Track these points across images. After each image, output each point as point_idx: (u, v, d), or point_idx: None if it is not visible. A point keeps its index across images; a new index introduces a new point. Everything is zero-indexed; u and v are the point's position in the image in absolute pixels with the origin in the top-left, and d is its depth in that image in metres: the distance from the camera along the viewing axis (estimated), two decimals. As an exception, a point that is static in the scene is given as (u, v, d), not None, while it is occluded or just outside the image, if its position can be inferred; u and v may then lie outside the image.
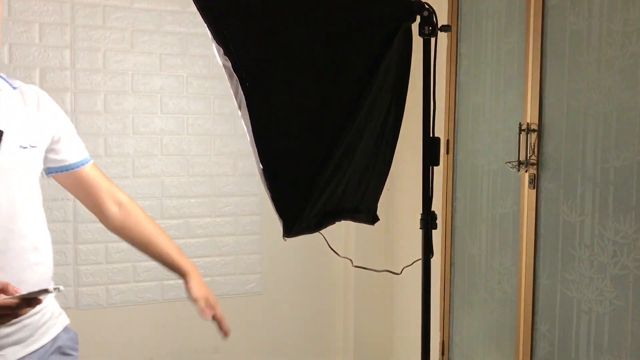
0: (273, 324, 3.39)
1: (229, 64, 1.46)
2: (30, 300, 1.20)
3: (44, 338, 1.50)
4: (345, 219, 1.78)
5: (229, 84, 1.52)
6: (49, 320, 1.51)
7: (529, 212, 2.20)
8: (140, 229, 1.72)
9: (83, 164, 1.61)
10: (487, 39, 2.49)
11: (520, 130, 2.19)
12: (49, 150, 1.54)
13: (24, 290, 1.21)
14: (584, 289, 1.96)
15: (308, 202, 1.63)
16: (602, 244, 1.88)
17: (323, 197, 1.64)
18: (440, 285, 2.83)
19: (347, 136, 1.62)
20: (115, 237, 3.05)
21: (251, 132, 1.53)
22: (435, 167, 1.62)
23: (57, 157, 1.56)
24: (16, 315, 1.21)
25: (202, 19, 1.47)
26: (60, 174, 1.59)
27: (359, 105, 1.60)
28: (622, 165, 1.79)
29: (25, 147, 1.43)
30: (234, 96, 1.53)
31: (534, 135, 2.16)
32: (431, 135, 1.60)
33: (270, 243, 3.32)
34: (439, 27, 1.54)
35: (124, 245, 3.08)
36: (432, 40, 1.56)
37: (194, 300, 1.75)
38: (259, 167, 1.59)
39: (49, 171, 1.59)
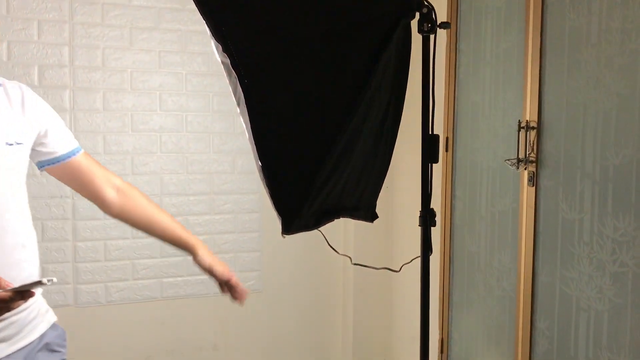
0: (272, 322, 3.40)
1: (228, 61, 1.46)
2: (24, 293, 1.19)
3: (32, 335, 1.50)
4: (344, 216, 1.78)
5: (228, 81, 1.52)
6: (36, 318, 1.51)
7: (528, 210, 2.20)
8: (141, 210, 1.72)
9: (74, 154, 1.61)
10: (487, 36, 2.48)
11: (520, 127, 2.19)
12: (38, 144, 1.54)
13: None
14: (583, 286, 1.96)
15: (307, 200, 1.62)
16: (601, 241, 1.88)
17: (322, 194, 1.64)
18: (440, 282, 2.83)
19: (345, 133, 1.61)
20: (114, 234, 3.07)
21: (250, 129, 1.53)
22: (434, 165, 1.62)
23: (46, 149, 1.56)
24: (9, 309, 1.21)
25: (201, 16, 1.46)
26: (53, 167, 1.59)
27: (357, 103, 1.60)
28: (621, 162, 1.79)
29: (11, 144, 1.43)
30: (232, 93, 1.53)
31: (533, 133, 2.16)
32: (430, 133, 1.60)
33: (269, 241, 3.32)
34: (438, 24, 1.54)
35: (123, 242, 3.09)
36: (431, 37, 1.56)
37: (207, 269, 1.74)
38: (257, 164, 1.59)
39: (40, 165, 1.59)
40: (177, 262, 3.18)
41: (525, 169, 2.19)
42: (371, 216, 1.79)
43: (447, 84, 2.73)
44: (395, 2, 1.56)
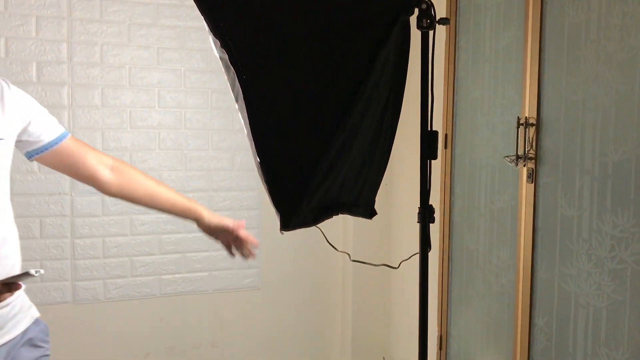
0: (271, 319, 3.40)
1: (226, 57, 1.46)
2: (11, 285, 1.19)
3: (14, 331, 1.50)
4: (343, 212, 1.77)
5: (226, 77, 1.52)
6: (18, 313, 1.51)
7: (527, 207, 2.20)
8: (139, 185, 1.72)
9: (61, 139, 1.60)
10: (486, 33, 2.48)
11: (519, 124, 2.19)
12: (22, 134, 1.53)
13: None
14: (582, 283, 1.96)
15: (305, 196, 1.62)
16: (600, 238, 1.88)
17: (320, 190, 1.64)
18: (438, 279, 2.83)
19: (344, 130, 1.61)
20: (112, 231, 3.07)
21: (248, 125, 1.52)
22: (433, 162, 1.61)
23: (32, 139, 1.55)
24: None
25: (199, 12, 1.46)
26: (42, 155, 1.58)
27: (356, 99, 1.60)
28: (620, 159, 1.79)
29: None
30: (230, 89, 1.53)
31: (532, 130, 2.15)
32: (429, 129, 1.59)
33: (268, 238, 3.32)
34: (437, 20, 1.54)
35: (122, 239, 3.09)
36: (430, 33, 1.56)
37: (219, 226, 1.77)
38: (256, 160, 1.59)
39: (29, 155, 1.58)
40: (176, 259, 3.18)
41: (524, 165, 2.19)
42: (370, 213, 1.79)
43: (446, 80, 2.73)
44: (394, -3, 1.56)
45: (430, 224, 1.62)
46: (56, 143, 1.58)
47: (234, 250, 1.84)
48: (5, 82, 1.52)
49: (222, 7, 1.48)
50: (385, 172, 1.78)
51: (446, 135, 2.74)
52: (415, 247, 1.62)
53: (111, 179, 1.67)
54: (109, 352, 3.09)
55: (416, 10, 1.55)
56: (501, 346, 2.42)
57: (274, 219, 1.68)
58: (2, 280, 1.18)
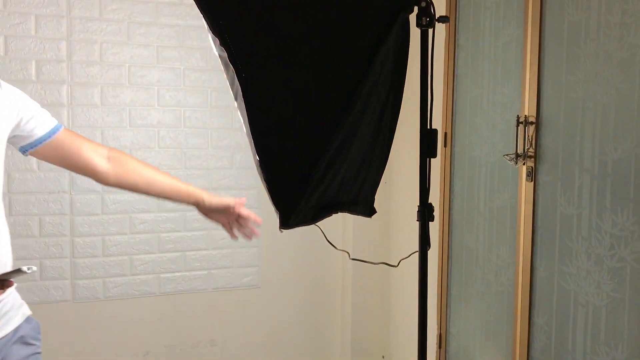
0: (270, 317, 3.40)
1: (225, 55, 1.46)
2: (3, 282, 1.18)
3: (6, 328, 1.50)
4: (342, 211, 1.77)
5: (225, 75, 1.52)
6: (10, 311, 1.51)
7: (526, 205, 2.20)
8: (137, 174, 1.71)
9: (54, 132, 1.59)
10: (485, 31, 2.48)
11: (518, 122, 2.18)
12: (15, 130, 1.52)
13: None
14: (581, 281, 1.96)
15: (304, 194, 1.62)
16: (599, 236, 1.88)
17: (320, 189, 1.64)
18: (438, 277, 2.83)
19: (343, 128, 1.61)
20: (112, 230, 3.06)
21: (247, 123, 1.52)
22: (433, 160, 1.61)
23: (25, 134, 1.55)
24: None
25: (199, 10, 1.46)
26: (36, 149, 1.58)
27: (355, 97, 1.60)
28: (620, 157, 1.79)
29: None
30: (230, 87, 1.52)
31: (531, 128, 2.15)
32: (428, 127, 1.59)
33: (267, 236, 3.31)
34: (436, 18, 1.54)
35: (121, 238, 3.08)
36: (430, 31, 1.56)
37: (221, 205, 1.77)
38: (255, 158, 1.59)
39: (23, 150, 1.58)
40: (175, 258, 3.18)
41: (523, 164, 2.19)
42: (369, 211, 1.79)
43: (446, 78, 2.73)
44: (394, -5, 1.56)
45: (430, 223, 1.62)
46: (49, 136, 1.58)
47: (235, 231, 1.83)
48: None
49: (221, 5, 1.48)
50: (385, 171, 1.78)
51: (446, 133, 2.74)
52: (415, 245, 1.62)
53: (108, 169, 1.67)
54: (108, 351, 3.09)
55: (415, 9, 1.55)
56: (501, 344, 2.42)
57: (274, 217, 1.68)
58: None
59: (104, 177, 1.67)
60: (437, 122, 2.75)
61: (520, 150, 2.18)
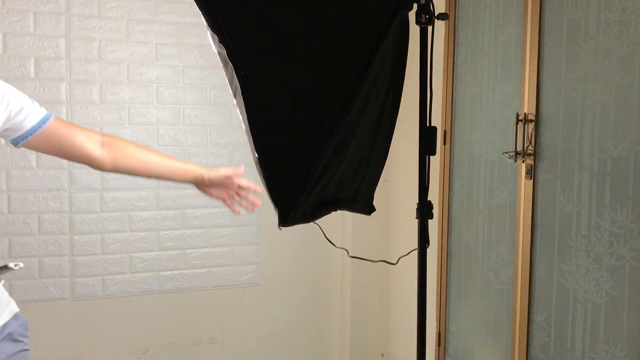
0: (270, 315, 3.40)
1: (224, 52, 1.45)
2: None
3: None
4: (341, 208, 1.77)
5: (224, 72, 1.51)
6: None
7: (525, 203, 2.20)
8: (132, 157, 1.70)
9: (44, 122, 1.56)
10: (485, 28, 2.47)
11: (518, 120, 2.18)
12: (5, 124, 1.50)
13: None
14: (580, 279, 1.96)
15: (303, 192, 1.62)
16: (598, 234, 1.88)
17: (318, 186, 1.63)
18: (437, 275, 2.83)
19: (342, 126, 1.61)
20: (111, 228, 3.06)
21: (246, 120, 1.52)
22: (432, 158, 1.61)
23: (15, 127, 1.53)
24: None
25: (197, 7, 1.46)
26: (27, 140, 1.56)
27: (355, 95, 1.59)
28: (619, 155, 1.79)
29: None
30: (229, 84, 1.52)
31: (531, 126, 2.15)
32: (428, 125, 1.59)
33: (267, 234, 3.32)
34: (436, 15, 1.53)
35: (120, 236, 3.08)
36: (429, 28, 1.55)
37: (221, 178, 1.75)
38: (254, 156, 1.59)
39: (15, 142, 1.56)
40: (175, 256, 3.18)
41: (523, 161, 2.19)
42: (368, 209, 1.79)
43: (445, 76, 2.72)
44: (393, -7, 1.56)
45: (429, 220, 1.62)
46: (39, 127, 1.56)
47: (237, 205, 1.82)
48: None
49: (220, 3, 1.48)
50: (384, 168, 1.78)
51: (445, 131, 2.73)
52: (414, 243, 1.62)
53: (103, 155, 1.65)
54: (107, 349, 3.09)
55: (415, 6, 1.55)
56: (500, 342, 2.42)
57: (274, 215, 1.68)
58: None
59: (100, 164, 1.66)
60: (437, 119, 2.75)
61: (519, 148, 2.18)
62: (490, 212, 2.46)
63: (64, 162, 2.94)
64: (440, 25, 2.66)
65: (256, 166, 1.62)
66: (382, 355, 3.47)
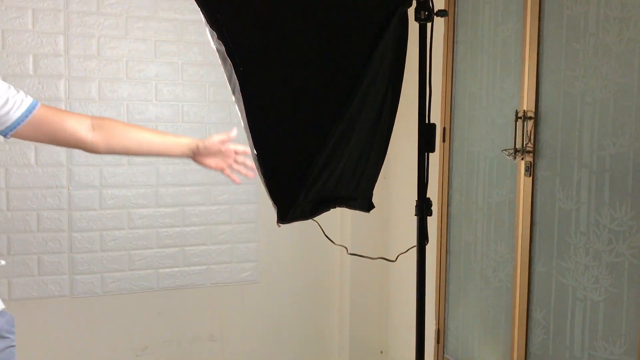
0: (269, 312, 3.40)
1: (223, 49, 1.45)
2: None
3: None
4: (340, 205, 1.77)
5: (223, 69, 1.51)
6: None
7: (524, 200, 2.20)
8: (126, 137, 1.69)
9: (30, 111, 1.55)
10: (484, 25, 2.47)
11: (517, 117, 2.18)
12: None
13: None
14: (579, 276, 1.96)
15: (302, 188, 1.62)
16: (597, 231, 1.88)
17: (318, 183, 1.63)
18: (436, 273, 2.83)
19: (342, 123, 1.61)
20: (110, 225, 3.06)
21: (245, 117, 1.52)
22: (431, 155, 1.61)
23: (1, 118, 1.51)
24: None
25: (196, 4, 1.45)
26: (17, 130, 1.54)
27: (354, 92, 1.59)
28: (618, 152, 1.79)
29: None
30: (227, 81, 1.52)
31: (530, 123, 2.15)
32: (427, 122, 1.59)
33: (266, 231, 3.32)
34: (435, 12, 1.53)
35: (119, 233, 3.08)
36: (428, 25, 1.55)
37: (216, 143, 1.76)
38: (253, 153, 1.59)
39: (4, 133, 1.55)
40: (174, 253, 3.17)
41: (522, 159, 2.19)
42: (367, 206, 1.79)
43: (445, 73, 2.72)
44: (392, -11, 1.55)
45: (428, 218, 1.61)
46: (26, 116, 1.54)
47: (235, 173, 1.82)
48: None
49: (219, 3, 1.47)
50: (383, 165, 1.78)
51: (444, 128, 2.73)
52: (413, 240, 1.62)
53: (96, 139, 1.64)
54: (106, 346, 3.09)
55: (414, 2, 1.54)
56: (499, 339, 2.42)
57: (272, 212, 1.67)
58: None
59: (94, 147, 1.65)
60: (436, 117, 2.75)
61: (518, 146, 2.18)
62: (489, 209, 2.46)
63: (63, 159, 2.94)
64: (439, 22, 2.66)
65: (255, 163, 1.62)
66: (381, 352, 3.47)
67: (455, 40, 2.68)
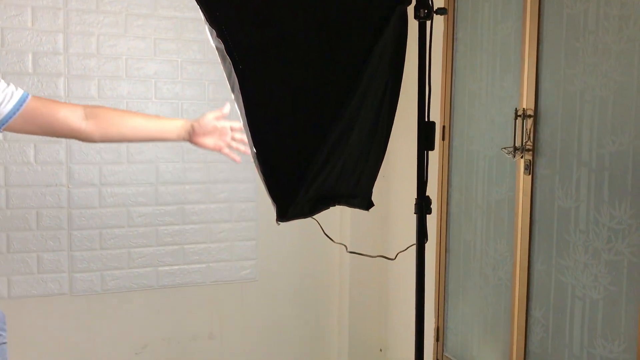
0: (268, 310, 3.40)
1: (222, 47, 1.45)
2: None
3: None
4: (339, 204, 1.77)
5: (222, 67, 1.51)
6: None
7: (524, 198, 2.20)
8: (120, 124, 1.69)
9: (22, 103, 1.55)
10: (484, 23, 2.47)
11: (516, 115, 2.18)
12: None
13: None
14: (579, 274, 1.97)
15: (302, 187, 1.62)
16: (596, 229, 1.88)
17: (317, 181, 1.63)
18: (436, 271, 2.83)
19: (341, 121, 1.61)
20: (109, 223, 3.06)
21: (244, 116, 1.52)
22: (430, 153, 1.61)
23: None
24: None
25: (195, 1, 1.45)
26: (9, 124, 1.54)
27: (354, 90, 1.59)
28: (617, 150, 1.79)
29: None
30: (227, 79, 1.52)
31: (529, 121, 2.15)
32: (426, 120, 1.59)
33: (265, 229, 3.32)
34: (434, 9, 1.53)
35: (119, 231, 3.08)
36: (428, 23, 1.55)
37: (210, 121, 1.78)
38: (252, 151, 1.59)
39: None
40: (173, 251, 3.17)
41: (521, 157, 2.19)
42: (367, 204, 1.79)
43: (444, 71, 2.72)
44: (392, -13, 1.55)
45: (428, 216, 1.61)
46: (17, 109, 1.54)
47: (233, 151, 1.82)
48: None
49: (219, 1, 1.47)
50: (383, 163, 1.78)
51: (444, 126, 2.73)
52: (412, 238, 1.62)
53: (90, 128, 1.63)
54: (106, 344, 3.09)
55: (414, 1, 1.54)
56: (498, 337, 2.42)
57: (272, 211, 1.67)
58: None
59: (88, 136, 1.64)
60: (435, 115, 2.74)
61: (518, 144, 2.18)
62: (488, 207, 2.46)
63: (63, 157, 2.94)
64: (439, 20, 2.66)
65: (254, 161, 1.62)
66: (381, 350, 3.47)
67: (454, 38, 2.68)
